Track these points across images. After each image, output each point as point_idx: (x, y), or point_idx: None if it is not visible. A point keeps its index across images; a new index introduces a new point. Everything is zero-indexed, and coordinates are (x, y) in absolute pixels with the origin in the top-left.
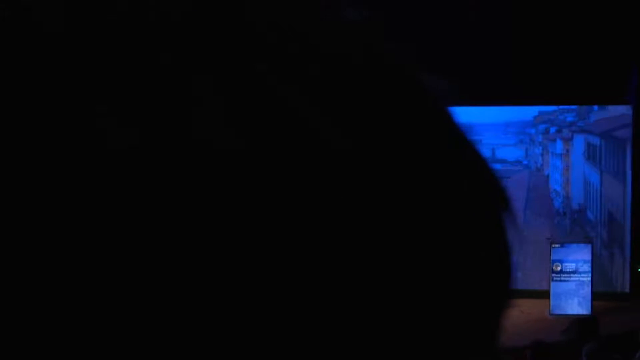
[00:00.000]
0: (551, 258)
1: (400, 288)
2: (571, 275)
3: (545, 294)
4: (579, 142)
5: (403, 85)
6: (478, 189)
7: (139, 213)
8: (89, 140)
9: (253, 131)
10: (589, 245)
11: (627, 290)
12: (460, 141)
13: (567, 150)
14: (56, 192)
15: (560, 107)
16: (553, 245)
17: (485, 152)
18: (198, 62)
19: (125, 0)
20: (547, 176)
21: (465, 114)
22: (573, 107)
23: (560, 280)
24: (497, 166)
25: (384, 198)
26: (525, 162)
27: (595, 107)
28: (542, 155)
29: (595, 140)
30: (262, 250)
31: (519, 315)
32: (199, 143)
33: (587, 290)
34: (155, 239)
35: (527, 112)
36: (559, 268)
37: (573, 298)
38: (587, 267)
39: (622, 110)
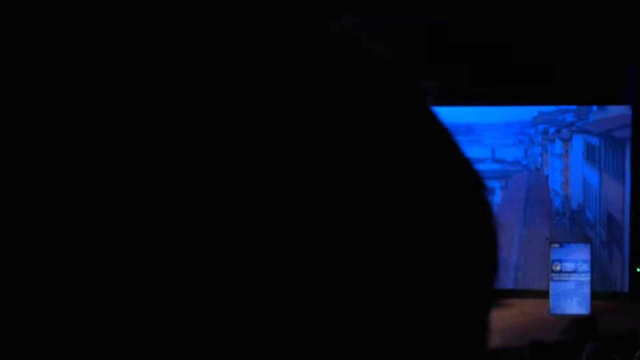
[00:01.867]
0: (550, 258)
1: (399, 287)
2: (570, 275)
3: (544, 294)
4: (578, 143)
5: (402, 86)
6: (468, 190)
7: (142, 212)
8: (96, 140)
9: (261, 132)
10: (588, 245)
11: (626, 290)
12: (448, 143)
13: (567, 151)
14: (60, 191)
15: (560, 107)
16: (552, 245)
17: (485, 152)
18: (200, 63)
19: (126, 2)
20: (547, 176)
21: (465, 114)
22: (572, 107)
23: (560, 280)
24: (497, 166)
25: (387, 199)
26: (524, 162)
27: (595, 108)
28: (541, 155)
29: (595, 141)
30: (265, 251)
31: (519, 315)
32: (209, 143)
33: (586, 290)
34: (157, 239)
35: (527, 113)
36: (558, 268)
37: (572, 298)
38: (586, 267)
39: (621, 111)
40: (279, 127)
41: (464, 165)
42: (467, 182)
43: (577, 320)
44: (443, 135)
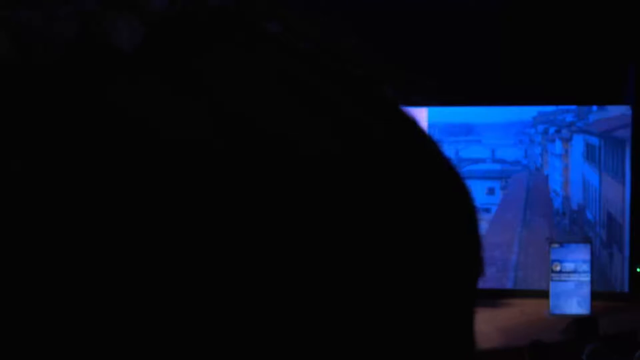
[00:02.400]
0: (550, 258)
1: (391, 286)
2: (570, 275)
3: (544, 294)
4: (578, 143)
5: (377, 92)
6: (453, 184)
7: (140, 213)
8: (91, 139)
9: (245, 133)
10: (588, 245)
11: (626, 290)
12: (428, 146)
13: (566, 151)
14: (58, 191)
15: (559, 107)
16: (552, 245)
17: (485, 152)
18: (190, 66)
19: None
20: (547, 176)
21: (465, 114)
22: (572, 107)
23: (560, 280)
24: (497, 166)
25: (375, 200)
26: (524, 162)
27: (595, 108)
28: (541, 155)
29: (595, 141)
30: (261, 251)
31: (519, 315)
32: (194, 143)
33: (586, 290)
34: (156, 240)
35: (526, 113)
36: (558, 268)
37: (572, 298)
38: (586, 267)
39: (621, 111)
40: (261, 128)
41: (448, 164)
42: (446, 182)
43: (577, 320)
44: (423, 139)
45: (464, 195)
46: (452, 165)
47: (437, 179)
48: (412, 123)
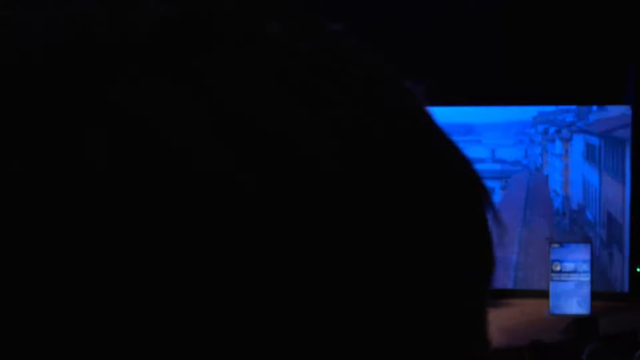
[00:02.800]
0: (550, 258)
1: (393, 288)
2: (570, 275)
3: (544, 294)
4: (578, 143)
5: (379, 90)
6: (460, 185)
7: (140, 213)
8: (96, 140)
9: (245, 133)
10: (588, 245)
11: (626, 290)
12: (442, 145)
13: (567, 151)
14: (58, 191)
15: (559, 107)
16: (552, 245)
17: (485, 152)
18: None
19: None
20: (547, 176)
21: (465, 114)
22: (572, 107)
23: (560, 280)
24: (497, 166)
25: (375, 201)
26: (524, 162)
27: (595, 108)
28: (541, 155)
29: (595, 141)
30: (262, 253)
31: (519, 315)
32: (194, 143)
33: (586, 290)
34: (156, 240)
35: (526, 113)
36: (558, 268)
37: (572, 298)
38: (586, 267)
39: (621, 111)
40: (260, 140)
41: (459, 165)
42: (459, 182)
43: (577, 320)
44: (435, 137)
45: (474, 194)
46: (467, 163)
47: (442, 179)
48: (419, 122)
